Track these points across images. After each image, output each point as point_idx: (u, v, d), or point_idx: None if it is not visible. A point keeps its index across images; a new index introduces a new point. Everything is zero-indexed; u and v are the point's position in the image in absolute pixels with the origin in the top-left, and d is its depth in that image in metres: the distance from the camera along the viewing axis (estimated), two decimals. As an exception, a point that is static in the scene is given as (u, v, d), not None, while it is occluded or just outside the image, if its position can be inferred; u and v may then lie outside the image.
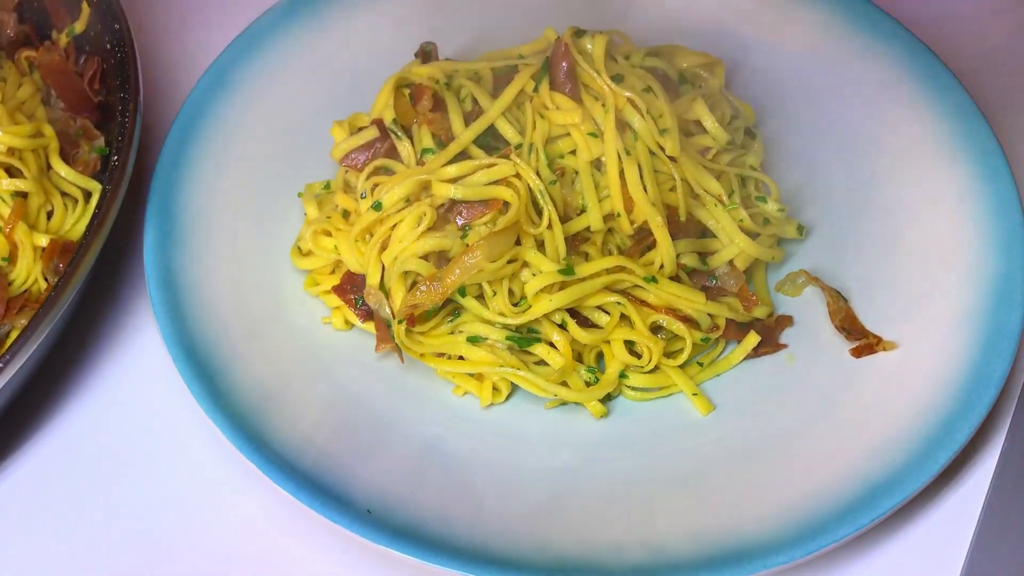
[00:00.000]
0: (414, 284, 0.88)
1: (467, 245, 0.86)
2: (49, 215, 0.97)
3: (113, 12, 1.01)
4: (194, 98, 1.00)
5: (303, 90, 1.04)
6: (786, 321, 0.95)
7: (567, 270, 0.87)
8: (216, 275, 0.92)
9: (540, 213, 0.89)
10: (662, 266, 0.90)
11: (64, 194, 0.98)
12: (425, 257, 0.88)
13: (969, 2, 1.17)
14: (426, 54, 0.99)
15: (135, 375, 0.93)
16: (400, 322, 0.87)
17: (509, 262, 0.87)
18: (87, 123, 1.02)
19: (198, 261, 0.93)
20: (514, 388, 0.91)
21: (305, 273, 0.96)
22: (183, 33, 1.13)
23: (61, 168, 0.98)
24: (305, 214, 0.97)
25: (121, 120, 0.95)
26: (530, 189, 0.89)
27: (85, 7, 1.03)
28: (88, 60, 1.03)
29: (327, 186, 0.99)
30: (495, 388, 0.90)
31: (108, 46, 1.00)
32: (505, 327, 0.88)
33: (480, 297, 0.89)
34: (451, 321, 0.89)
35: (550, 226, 0.88)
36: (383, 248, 0.89)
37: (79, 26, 1.04)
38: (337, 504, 0.79)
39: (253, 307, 0.92)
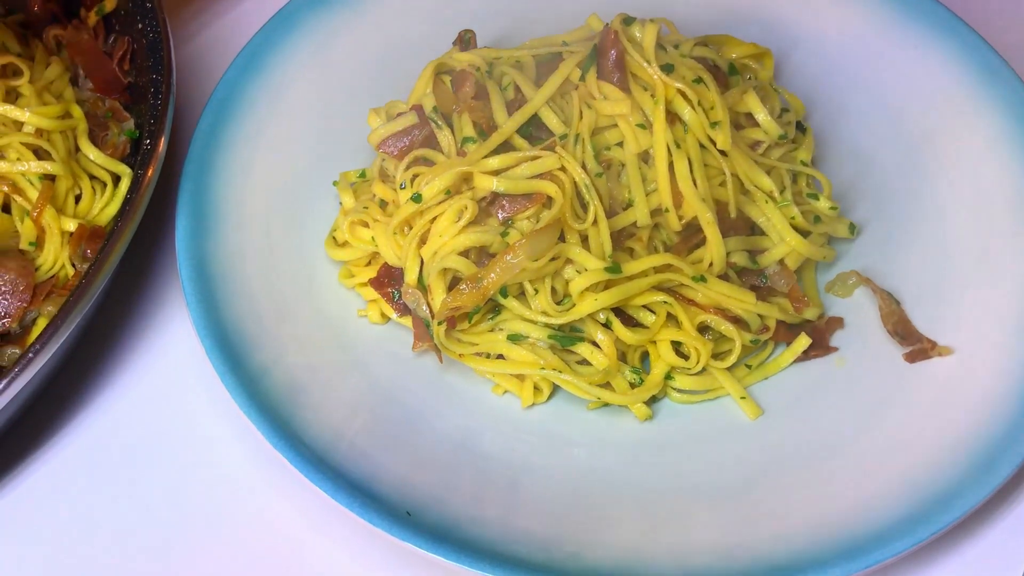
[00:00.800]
0: (454, 281, 0.85)
1: (508, 244, 0.83)
2: (77, 199, 0.94)
3: (145, -10, 0.98)
4: (226, 81, 0.97)
5: (338, 75, 1.00)
6: (836, 323, 0.91)
7: (614, 268, 0.84)
8: (250, 264, 0.89)
9: (585, 207, 0.86)
10: (711, 264, 0.87)
11: (92, 177, 0.95)
12: (466, 252, 0.85)
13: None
14: (464, 42, 0.96)
15: (165, 366, 0.91)
16: (440, 323, 0.84)
17: (552, 259, 0.84)
18: (116, 105, 0.99)
19: (231, 249, 0.90)
20: (556, 387, 0.88)
21: (339, 264, 0.93)
22: (215, 14, 1.10)
23: (90, 151, 0.95)
24: (341, 203, 0.94)
25: (153, 103, 0.92)
26: (575, 183, 0.85)
27: (115, -16, 1.00)
28: (118, 40, 1.00)
29: (363, 175, 0.96)
30: (536, 388, 0.87)
31: (139, 25, 0.97)
32: (547, 326, 0.85)
33: (522, 295, 0.86)
34: (491, 319, 0.86)
35: (595, 222, 0.85)
36: (422, 242, 0.86)
37: (109, 4, 1.00)
38: (376, 506, 0.76)
39: (287, 297, 0.89)
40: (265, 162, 0.95)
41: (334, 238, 0.93)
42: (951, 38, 1.01)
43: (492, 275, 0.82)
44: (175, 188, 0.92)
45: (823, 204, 0.93)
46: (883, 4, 1.04)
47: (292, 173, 0.96)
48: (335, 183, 0.95)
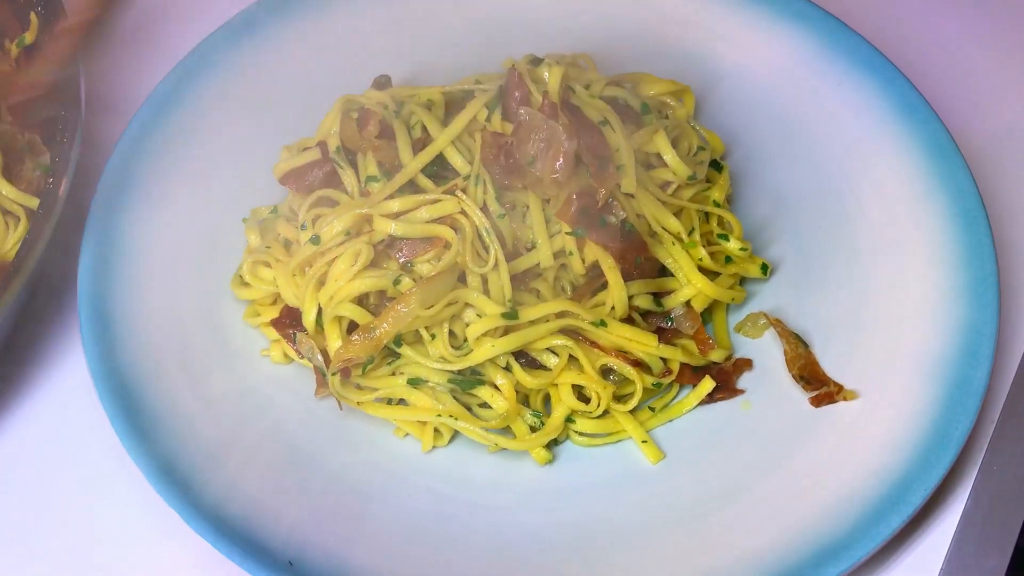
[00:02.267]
0: (354, 326, 0.84)
1: (401, 292, 0.82)
2: (-11, 234, 0.94)
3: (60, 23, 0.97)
4: (140, 117, 0.96)
5: (255, 111, 0.99)
6: (744, 365, 0.91)
7: (511, 314, 0.83)
8: (154, 304, 0.89)
9: (487, 249, 0.86)
10: (613, 308, 0.86)
11: (6, 212, 0.95)
12: (365, 296, 0.85)
13: (950, 30, 1.12)
14: (380, 85, 0.96)
15: (63, 406, 0.90)
16: (334, 374, 0.83)
17: (450, 304, 0.83)
18: (35, 138, 0.98)
19: (136, 289, 0.89)
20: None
21: (247, 303, 0.92)
22: (134, 49, 1.09)
23: (2, 186, 0.95)
24: (247, 241, 0.94)
25: (59, 139, 0.91)
26: (475, 227, 0.85)
27: (33, 17, 1.00)
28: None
29: (275, 210, 0.95)
30: (437, 431, 0.86)
31: (55, 59, 0.97)
32: (446, 371, 0.85)
33: (420, 340, 0.85)
34: (391, 363, 0.86)
35: (496, 265, 0.85)
36: (320, 284, 0.86)
37: (29, 36, 1.00)
38: (258, 555, 0.76)
39: (191, 339, 0.89)
40: (177, 200, 0.94)
41: (240, 277, 0.92)
42: (873, 74, 0.99)
43: (384, 325, 0.81)
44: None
45: (733, 245, 0.92)
46: (808, 39, 1.02)
47: (205, 210, 0.95)
48: (245, 220, 0.95)
